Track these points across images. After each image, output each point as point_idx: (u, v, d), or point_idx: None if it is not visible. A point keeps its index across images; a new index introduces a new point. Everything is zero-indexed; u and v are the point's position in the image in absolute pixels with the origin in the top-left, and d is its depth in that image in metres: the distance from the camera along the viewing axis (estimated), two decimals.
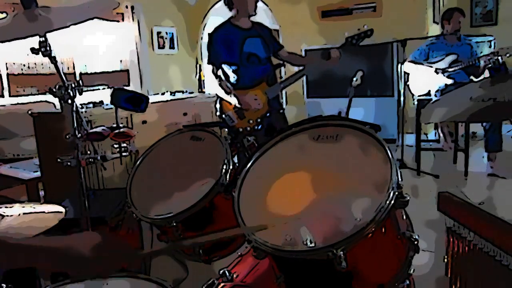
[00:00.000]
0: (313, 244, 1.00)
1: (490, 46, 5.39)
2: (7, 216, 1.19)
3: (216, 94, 2.81)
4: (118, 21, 5.38)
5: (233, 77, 2.84)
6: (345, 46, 2.82)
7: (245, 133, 2.70)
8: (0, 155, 3.84)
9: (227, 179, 1.46)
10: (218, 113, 2.82)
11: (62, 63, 4.75)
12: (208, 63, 2.81)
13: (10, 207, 1.25)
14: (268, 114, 2.77)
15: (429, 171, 3.94)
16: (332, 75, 5.08)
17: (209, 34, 2.86)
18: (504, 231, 1.04)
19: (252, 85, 2.77)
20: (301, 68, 2.91)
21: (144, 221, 1.53)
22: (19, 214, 1.22)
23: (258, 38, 2.87)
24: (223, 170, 1.46)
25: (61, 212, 1.28)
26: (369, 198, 1.07)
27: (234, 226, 1.16)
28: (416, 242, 1.14)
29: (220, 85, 2.75)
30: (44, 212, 1.29)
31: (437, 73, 3.93)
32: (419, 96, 4.15)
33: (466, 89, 1.54)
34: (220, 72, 2.83)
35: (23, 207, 1.28)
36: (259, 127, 2.74)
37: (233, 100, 2.69)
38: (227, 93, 2.73)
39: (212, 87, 2.81)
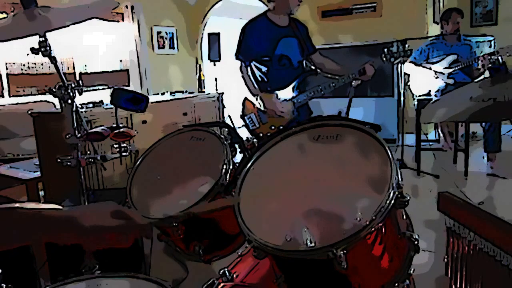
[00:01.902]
0: (313, 244, 1.00)
1: (490, 46, 5.39)
2: None
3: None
4: (118, 21, 5.38)
5: (260, 78, 2.67)
6: (384, 61, 2.67)
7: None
8: (0, 155, 3.84)
9: (227, 179, 1.46)
10: (240, 114, 2.66)
11: (62, 63, 4.76)
12: (237, 58, 2.63)
13: None
14: (293, 123, 2.57)
15: (429, 171, 3.94)
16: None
17: (242, 27, 2.66)
18: (504, 231, 1.04)
19: (280, 89, 2.61)
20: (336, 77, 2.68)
21: None
22: None
23: (294, 38, 2.66)
24: (223, 170, 1.46)
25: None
26: (369, 198, 1.07)
27: (234, 226, 1.16)
28: (416, 242, 1.14)
29: (245, 83, 2.61)
30: None
31: (437, 77, 3.94)
32: (419, 96, 4.15)
33: (466, 89, 1.54)
34: (248, 70, 2.67)
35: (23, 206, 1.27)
36: None
37: (257, 102, 2.57)
38: (253, 94, 2.59)
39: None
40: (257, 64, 2.66)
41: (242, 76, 2.62)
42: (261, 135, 2.58)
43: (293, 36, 2.66)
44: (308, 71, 2.78)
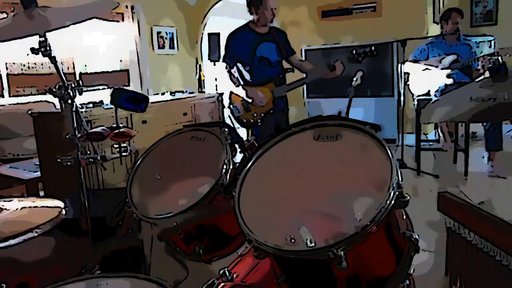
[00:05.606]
0: (313, 244, 1.00)
1: (490, 46, 5.39)
2: (5, 209, 1.18)
3: (231, 92, 3.09)
4: (118, 21, 5.38)
5: (247, 75, 3.12)
6: (350, 61, 3.07)
7: (248, 125, 3.07)
8: (0, 155, 3.84)
9: (227, 179, 1.46)
10: (228, 104, 3.15)
11: (62, 63, 4.76)
12: (223, 61, 3.11)
13: (9, 201, 1.24)
14: (271, 112, 3.07)
15: (429, 171, 3.93)
16: None
17: (228, 35, 3.14)
18: (504, 231, 1.04)
19: (262, 84, 3.07)
20: (304, 75, 3.25)
21: (144, 221, 1.53)
22: (17, 209, 1.22)
23: (272, 43, 3.14)
24: (223, 170, 1.46)
25: (60, 206, 1.27)
26: (370, 198, 1.06)
27: (234, 226, 1.16)
28: (416, 242, 1.14)
29: (231, 79, 3.07)
30: (42, 206, 1.28)
31: (437, 66, 3.92)
32: (419, 96, 4.15)
33: (466, 89, 1.54)
34: (234, 70, 3.12)
35: (21, 201, 1.27)
36: (260, 122, 3.03)
37: (241, 93, 3.00)
38: (237, 84, 3.05)
39: (226, 81, 3.11)
40: (240, 65, 3.12)
41: (228, 74, 3.08)
42: (244, 120, 3.06)
43: (272, 41, 3.14)
44: (286, 69, 3.28)
